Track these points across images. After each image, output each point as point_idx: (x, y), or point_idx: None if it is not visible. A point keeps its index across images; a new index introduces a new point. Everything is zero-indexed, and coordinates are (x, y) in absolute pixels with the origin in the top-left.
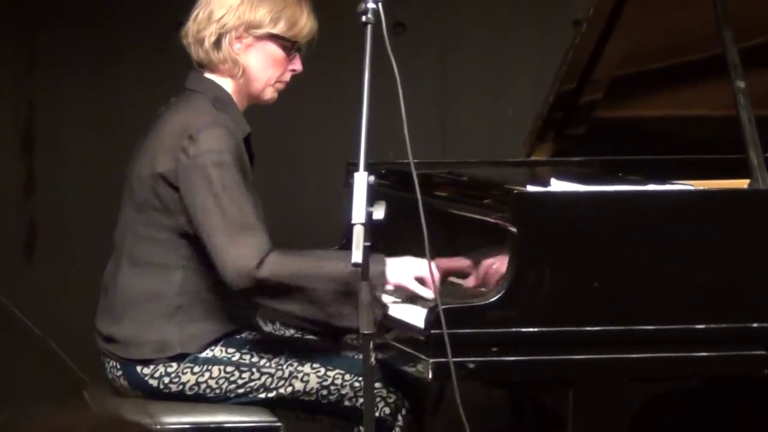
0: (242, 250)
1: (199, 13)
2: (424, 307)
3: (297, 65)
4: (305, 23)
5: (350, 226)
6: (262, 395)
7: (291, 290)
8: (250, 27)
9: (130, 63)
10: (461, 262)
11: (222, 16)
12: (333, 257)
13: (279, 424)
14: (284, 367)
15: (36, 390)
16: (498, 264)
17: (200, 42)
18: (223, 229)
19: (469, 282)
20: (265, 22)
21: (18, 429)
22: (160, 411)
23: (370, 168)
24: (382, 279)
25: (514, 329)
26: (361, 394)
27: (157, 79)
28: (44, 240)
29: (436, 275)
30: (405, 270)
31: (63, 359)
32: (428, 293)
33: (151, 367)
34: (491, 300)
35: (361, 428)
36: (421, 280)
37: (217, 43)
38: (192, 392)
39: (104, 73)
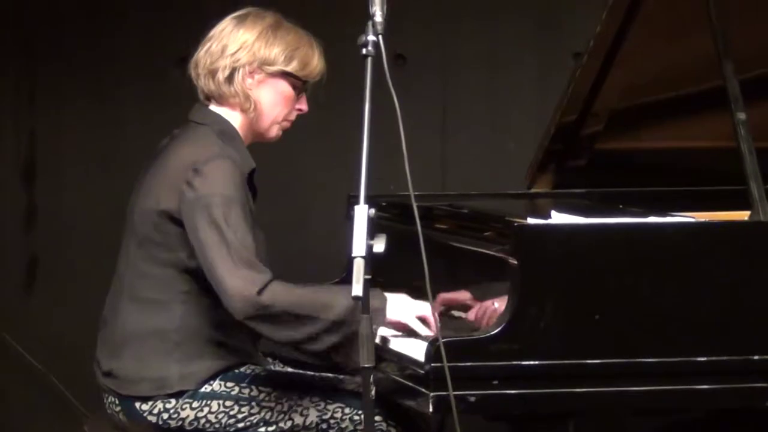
0: (245, 279)
1: (211, 46)
2: (424, 340)
3: (304, 105)
4: (317, 64)
5: (351, 259)
6: (262, 429)
7: (291, 320)
8: (264, 63)
9: (131, 95)
10: (462, 295)
11: (236, 51)
12: (333, 290)
13: None
14: (284, 401)
15: (36, 424)
16: (499, 297)
17: (212, 74)
18: (226, 261)
19: (471, 315)
20: (279, 60)
21: None
22: None
23: (370, 201)
24: (382, 315)
25: (515, 362)
26: (361, 427)
27: (157, 111)
28: (45, 273)
29: (436, 316)
30: (406, 308)
31: (63, 393)
32: (428, 332)
33: (150, 403)
34: (492, 333)
35: None
36: (421, 319)
37: (230, 78)
38: (191, 428)
39: (105, 105)
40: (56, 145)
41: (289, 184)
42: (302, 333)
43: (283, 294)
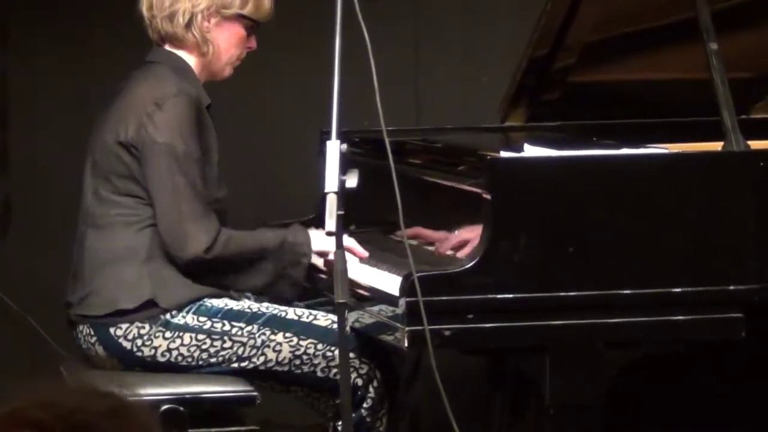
0: (189, 233)
1: None
2: (398, 274)
3: (253, 44)
4: (268, 6)
5: (323, 195)
6: (236, 365)
7: (234, 266)
8: (221, 7)
9: (103, 36)
10: (437, 235)
11: None
12: (262, 232)
13: (255, 393)
14: (257, 336)
15: (12, 365)
16: (472, 231)
17: (170, 17)
18: (174, 213)
19: (443, 248)
20: (236, 4)
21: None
22: (136, 382)
23: (343, 136)
24: (308, 249)
25: (489, 296)
26: (333, 364)
27: (131, 52)
28: (19, 216)
29: (357, 248)
30: (328, 240)
31: (40, 334)
32: (352, 261)
33: (124, 327)
34: (466, 267)
35: (338, 401)
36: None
37: (189, 22)
38: (164, 359)
39: (78, 47)
40: (29, 87)
41: (261, 120)
42: (233, 274)
43: (228, 247)
